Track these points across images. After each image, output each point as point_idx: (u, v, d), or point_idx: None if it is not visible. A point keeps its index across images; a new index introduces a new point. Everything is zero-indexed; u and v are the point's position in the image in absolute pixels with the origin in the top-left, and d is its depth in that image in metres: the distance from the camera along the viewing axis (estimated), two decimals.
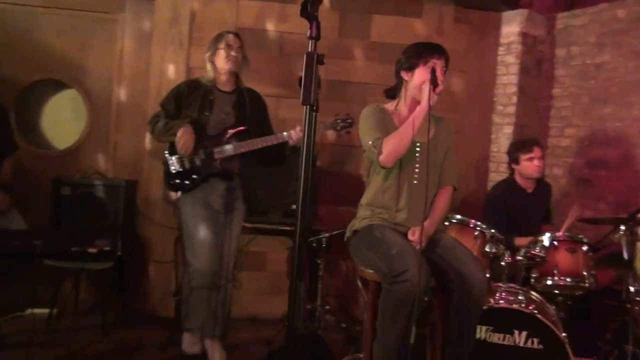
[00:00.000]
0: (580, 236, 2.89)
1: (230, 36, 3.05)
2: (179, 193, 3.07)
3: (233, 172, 3.08)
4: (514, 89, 4.26)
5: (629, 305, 2.76)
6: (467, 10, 4.34)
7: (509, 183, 3.64)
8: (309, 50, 1.60)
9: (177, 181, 3.01)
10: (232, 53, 3.03)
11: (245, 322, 3.92)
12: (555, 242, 2.83)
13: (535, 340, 2.54)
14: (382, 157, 2.34)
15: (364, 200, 2.55)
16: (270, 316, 4.08)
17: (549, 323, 2.51)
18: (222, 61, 3.03)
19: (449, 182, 2.57)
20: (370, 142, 2.39)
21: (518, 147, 3.55)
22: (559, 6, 4.39)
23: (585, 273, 2.79)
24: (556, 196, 3.97)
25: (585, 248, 2.85)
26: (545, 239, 2.90)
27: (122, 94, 4.04)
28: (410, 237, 2.31)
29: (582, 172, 4.19)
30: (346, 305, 4.16)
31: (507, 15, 4.33)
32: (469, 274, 2.15)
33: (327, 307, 3.66)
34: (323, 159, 4.16)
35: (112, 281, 3.66)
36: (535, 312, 2.56)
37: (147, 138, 3.95)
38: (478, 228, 2.87)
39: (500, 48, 4.36)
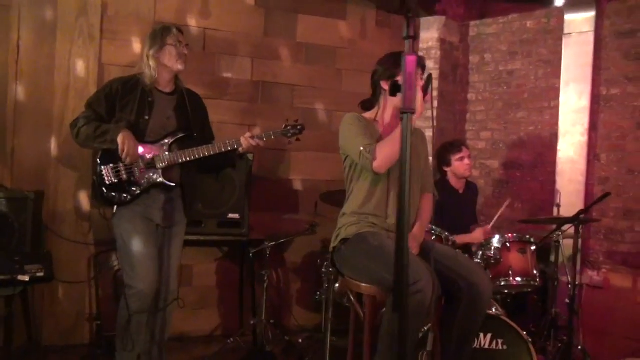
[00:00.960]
0: (527, 236, 3.02)
1: (176, 31, 2.76)
2: (115, 207, 2.71)
3: (175, 182, 2.79)
4: (434, 93, 4.37)
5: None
6: (389, 14, 4.38)
7: (442, 184, 3.72)
8: (409, 50, 1.41)
9: (114, 194, 2.65)
10: (184, 51, 2.74)
11: (174, 342, 3.58)
12: (508, 244, 2.92)
13: (500, 341, 2.58)
14: (376, 163, 2.25)
15: (349, 207, 2.43)
16: (199, 333, 3.81)
17: (513, 324, 2.57)
18: (172, 60, 2.72)
19: (430, 189, 2.56)
20: (361, 149, 2.28)
21: (448, 149, 3.64)
22: (471, 15, 4.59)
23: (535, 272, 2.92)
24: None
25: (533, 248, 2.98)
26: (495, 240, 2.98)
27: (20, 92, 3.49)
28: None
29: (498, 173, 4.43)
30: (280, 316, 3.99)
31: (426, 21, 4.44)
32: (478, 283, 2.10)
33: (272, 321, 3.48)
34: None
35: (17, 306, 3.17)
36: (499, 313, 2.61)
37: (53, 143, 3.47)
38: (434, 231, 2.87)
39: (420, 53, 4.45)
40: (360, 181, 2.40)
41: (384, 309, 2.15)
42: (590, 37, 3.87)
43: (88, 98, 2.81)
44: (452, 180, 3.69)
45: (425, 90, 2.27)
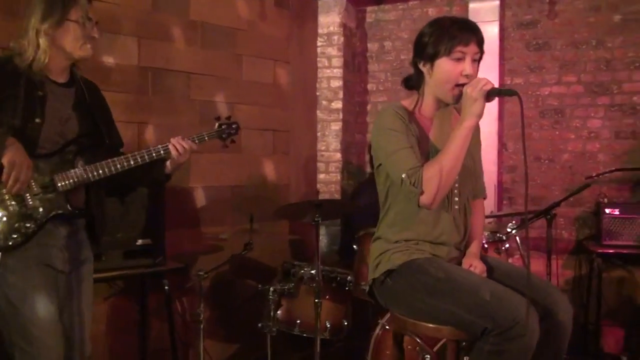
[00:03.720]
0: (498, 235, 2.84)
1: (85, 1, 1.94)
2: None
3: (79, 209, 2.01)
4: (338, 83, 4.01)
5: None
6: None
7: (374, 185, 3.40)
8: None
9: None
10: (94, 33, 1.95)
11: None
12: (486, 246, 2.70)
13: None
14: (425, 199, 1.72)
15: (388, 230, 1.90)
16: None
17: None
18: (75, 43, 1.90)
19: (482, 193, 2.07)
20: (403, 176, 1.73)
21: None
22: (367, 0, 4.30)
23: None
24: None
25: (506, 245, 2.81)
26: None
27: None
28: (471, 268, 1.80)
29: None
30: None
31: (324, 3, 4.04)
32: (556, 311, 1.68)
33: None
34: None
35: None
36: None
37: None
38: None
39: (320, 39, 4.05)
40: (403, 201, 1.86)
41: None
42: (495, 27, 3.83)
43: None
44: None
45: (489, 97, 1.71)
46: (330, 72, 4.03)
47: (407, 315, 1.80)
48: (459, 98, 1.78)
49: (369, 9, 4.28)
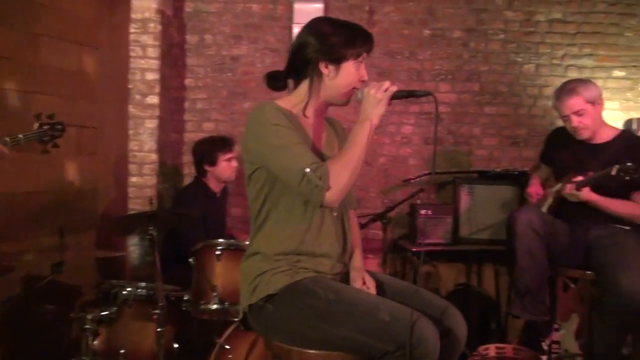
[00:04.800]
0: None
1: None
2: None
3: None
4: (154, 76, 3.62)
5: None
6: None
7: (201, 188, 3.13)
8: None
9: None
10: None
11: None
12: None
13: None
14: (331, 195, 1.58)
15: (266, 245, 1.68)
16: None
17: None
18: None
19: (354, 204, 1.96)
20: (307, 170, 1.55)
21: (218, 146, 3.08)
22: None
23: None
24: None
25: None
26: None
27: None
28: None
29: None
30: None
31: None
32: (453, 328, 1.64)
33: None
34: None
35: None
36: None
37: None
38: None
39: (134, 25, 3.60)
40: (285, 211, 1.68)
41: None
42: None
43: None
44: (212, 183, 3.13)
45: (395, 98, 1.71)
46: (145, 63, 3.61)
47: (292, 343, 1.61)
48: (348, 101, 1.77)
49: None
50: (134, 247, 3.49)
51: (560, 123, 3.89)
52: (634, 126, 3.62)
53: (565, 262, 2.62)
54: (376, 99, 1.66)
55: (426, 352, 1.47)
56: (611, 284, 2.32)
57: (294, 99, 1.77)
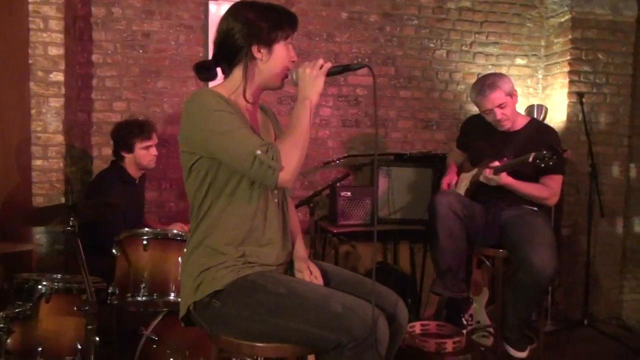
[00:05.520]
0: None
1: None
2: None
3: None
4: (58, 51, 3.34)
5: None
6: None
7: (119, 173, 2.97)
8: None
9: None
10: None
11: None
12: None
13: None
14: (285, 175, 1.56)
15: (208, 238, 1.63)
16: None
17: None
18: None
19: (289, 192, 1.92)
20: (258, 152, 1.52)
21: (135, 132, 2.92)
22: None
23: None
24: None
25: None
26: None
27: None
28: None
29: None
30: None
31: None
32: (397, 314, 1.68)
33: None
34: None
35: None
36: None
37: None
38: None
39: None
40: (227, 196, 1.64)
41: None
42: None
43: None
44: (130, 169, 2.98)
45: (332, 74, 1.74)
46: (48, 37, 3.31)
47: (242, 337, 1.59)
48: (282, 83, 1.78)
49: None
50: (39, 237, 3.26)
51: (469, 107, 4.14)
52: (535, 112, 3.91)
53: (481, 241, 2.79)
54: (312, 77, 1.67)
55: (379, 339, 1.52)
56: (523, 260, 2.51)
57: (228, 86, 1.74)
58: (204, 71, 1.79)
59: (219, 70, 1.81)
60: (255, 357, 1.64)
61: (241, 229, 1.67)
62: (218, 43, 1.73)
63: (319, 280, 1.74)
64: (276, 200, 1.77)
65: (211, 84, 1.83)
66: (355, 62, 1.79)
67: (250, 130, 1.62)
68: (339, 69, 1.74)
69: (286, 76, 1.75)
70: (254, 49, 1.69)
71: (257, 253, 1.68)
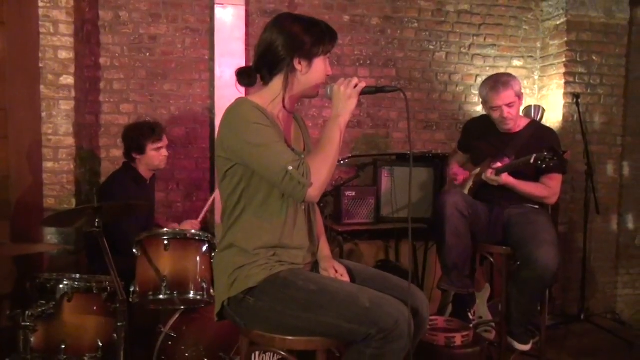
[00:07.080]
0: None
1: None
2: None
3: None
4: (69, 54, 3.39)
5: None
6: None
7: (131, 173, 3.04)
8: None
9: None
10: None
11: None
12: None
13: None
14: (313, 191, 1.64)
15: (243, 237, 1.72)
16: None
17: None
18: None
19: None
20: (290, 168, 1.59)
21: (146, 134, 2.99)
22: None
23: None
24: None
25: None
26: None
27: None
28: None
29: None
30: None
31: None
32: (418, 308, 1.77)
33: None
34: None
35: None
36: None
37: None
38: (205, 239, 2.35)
39: None
40: (259, 200, 1.72)
41: None
42: (242, 11, 3.81)
43: None
44: (142, 169, 3.05)
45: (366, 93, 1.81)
46: (58, 41, 3.37)
47: (274, 331, 1.69)
48: (317, 93, 1.87)
49: None
50: (50, 237, 3.31)
51: (468, 108, 4.25)
52: (533, 112, 4.02)
53: (484, 239, 2.89)
54: (346, 96, 1.74)
55: (403, 333, 1.62)
56: (528, 257, 2.61)
57: (267, 95, 1.82)
58: (245, 77, 1.88)
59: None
60: (285, 349, 1.72)
61: (272, 236, 1.76)
62: (261, 52, 1.81)
63: (345, 278, 1.83)
64: (304, 208, 1.86)
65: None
66: (389, 85, 1.90)
67: (284, 145, 1.70)
68: (372, 89, 1.81)
69: (321, 88, 1.85)
70: (296, 61, 1.77)
71: (287, 255, 1.78)
